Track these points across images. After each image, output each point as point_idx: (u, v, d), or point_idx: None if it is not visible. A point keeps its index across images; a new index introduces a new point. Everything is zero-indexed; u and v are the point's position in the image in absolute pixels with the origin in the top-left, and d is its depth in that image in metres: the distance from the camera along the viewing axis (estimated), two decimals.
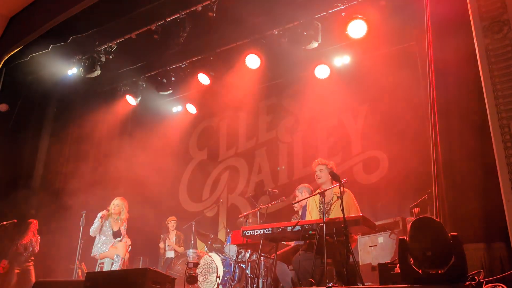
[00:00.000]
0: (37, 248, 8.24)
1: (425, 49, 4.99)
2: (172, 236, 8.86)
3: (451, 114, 4.42)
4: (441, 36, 4.64)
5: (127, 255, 7.20)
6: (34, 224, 8.35)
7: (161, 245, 8.93)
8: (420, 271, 3.43)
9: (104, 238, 7.10)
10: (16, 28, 7.15)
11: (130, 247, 7.39)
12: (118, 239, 7.12)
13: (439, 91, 4.62)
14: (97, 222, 7.09)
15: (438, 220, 3.74)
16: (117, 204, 7.25)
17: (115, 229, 7.11)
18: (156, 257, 9.02)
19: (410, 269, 3.49)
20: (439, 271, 3.34)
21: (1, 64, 7.17)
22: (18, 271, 8.05)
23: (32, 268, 8.17)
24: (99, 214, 7.16)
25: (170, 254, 8.73)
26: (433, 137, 4.64)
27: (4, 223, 7.48)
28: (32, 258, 8.20)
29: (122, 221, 7.23)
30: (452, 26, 4.51)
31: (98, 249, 7.05)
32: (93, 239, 8.20)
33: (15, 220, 7.74)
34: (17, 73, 8.54)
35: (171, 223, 9.02)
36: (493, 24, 3.91)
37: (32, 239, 8.21)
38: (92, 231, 7.11)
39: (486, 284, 3.14)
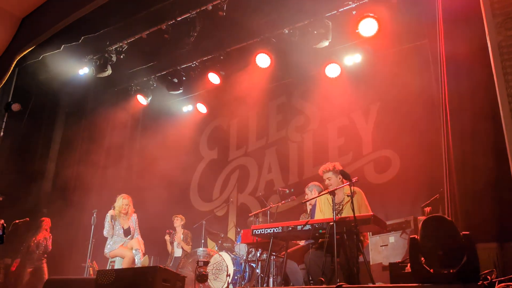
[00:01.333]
0: (49, 246, 8.33)
1: (437, 47, 4.95)
2: (179, 235, 8.88)
3: (463, 112, 4.38)
4: (453, 33, 4.60)
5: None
6: (46, 222, 8.44)
7: (167, 237, 8.93)
8: (431, 270, 3.40)
9: (115, 237, 7.13)
10: (28, 28, 7.21)
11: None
12: (129, 236, 7.14)
13: (451, 89, 4.58)
14: (107, 224, 7.12)
15: (449, 219, 3.70)
16: (126, 203, 7.25)
17: (125, 227, 7.14)
18: (166, 256, 9.05)
19: (421, 268, 3.46)
20: (451, 271, 3.30)
21: (14, 64, 7.24)
22: (31, 269, 8.15)
23: (45, 265, 8.25)
24: (108, 216, 7.17)
25: (178, 253, 8.74)
26: (445, 136, 4.61)
27: (17, 221, 7.56)
28: (45, 255, 8.30)
29: (129, 216, 7.25)
30: (464, 23, 4.46)
31: (109, 247, 7.09)
32: (104, 237, 8.27)
33: (28, 219, 7.82)
34: (29, 73, 8.64)
35: (176, 220, 9.03)
36: (506, 20, 3.85)
37: (45, 236, 8.30)
38: (106, 232, 7.14)
39: (498, 284, 3.09)
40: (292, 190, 7.71)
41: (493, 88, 3.84)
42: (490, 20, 3.92)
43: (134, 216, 7.39)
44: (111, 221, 7.13)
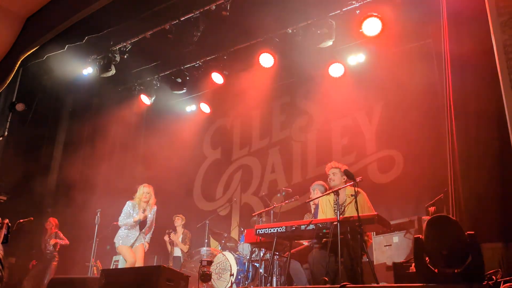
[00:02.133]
0: (62, 242, 8.37)
1: (441, 46, 4.93)
2: (179, 234, 8.87)
3: (468, 112, 4.36)
4: (458, 32, 4.58)
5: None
6: (50, 221, 8.51)
7: (166, 238, 8.89)
8: (436, 270, 3.39)
9: (130, 229, 6.69)
10: (33, 28, 7.23)
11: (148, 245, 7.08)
12: (144, 229, 6.78)
13: (455, 90, 4.57)
14: (130, 218, 6.64)
15: (454, 218, 3.68)
16: (147, 191, 6.87)
17: (142, 218, 6.72)
18: (168, 255, 9.07)
19: (425, 268, 3.45)
20: (456, 270, 3.30)
21: (18, 64, 7.26)
22: (40, 268, 8.22)
23: (54, 265, 8.29)
24: (129, 204, 6.76)
25: (178, 252, 8.74)
26: (449, 136, 4.59)
27: (21, 220, 7.59)
28: (56, 255, 8.34)
29: (151, 206, 6.89)
30: (469, 22, 4.44)
31: (119, 240, 6.64)
32: (106, 238, 8.23)
33: (32, 218, 7.86)
34: (33, 73, 8.66)
35: (177, 220, 9.02)
36: (511, 19, 3.84)
37: (52, 236, 8.36)
38: (122, 220, 6.67)
39: (504, 284, 3.08)
40: (289, 190, 7.63)
41: (498, 87, 3.83)
42: (495, 19, 3.90)
43: (155, 208, 7.00)
44: (131, 210, 6.70)
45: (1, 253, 2.66)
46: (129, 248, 6.63)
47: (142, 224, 6.80)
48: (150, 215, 6.89)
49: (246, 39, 8.44)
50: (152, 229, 7.10)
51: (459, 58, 4.50)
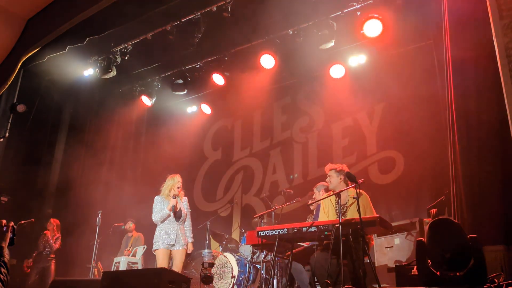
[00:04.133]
0: (55, 245, 8.35)
1: (442, 47, 4.93)
2: None
3: (470, 116, 4.36)
4: (459, 35, 4.58)
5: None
6: (50, 222, 8.50)
7: None
8: (438, 273, 3.39)
9: (167, 224, 6.11)
10: (34, 29, 7.21)
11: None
12: (180, 220, 6.17)
13: (457, 91, 4.57)
14: (163, 210, 6.07)
15: (456, 221, 3.68)
16: (177, 180, 6.28)
17: (177, 209, 6.18)
18: None
19: (428, 271, 3.45)
20: (458, 273, 3.30)
21: (19, 66, 7.25)
22: (39, 269, 8.21)
23: (53, 266, 8.29)
24: (158, 199, 6.19)
25: None
26: (450, 138, 4.59)
27: (22, 222, 7.59)
28: (53, 255, 8.33)
29: (181, 196, 6.37)
30: (471, 24, 4.44)
31: (157, 242, 6.01)
32: (104, 240, 8.21)
33: (33, 220, 7.86)
34: (34, 74, 8.64)
35: None
36: None
37: (52, 237, 8.36)
38: (160, 218, 6.07)
39: (506, 287, 3.08)
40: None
41: (500, 91, 3.82)
42: (497, 22, 3.90)
43: (185, 198, 6.44)
44: (171, 208, 6.09)
45: (7, 257, 2.65)
46: (167, 253, 6.03)
47: (179, 215, 6.19)
48: (184, 207, 6.32)
49: (247, 40, 8.45)
50: (191, 225, 6.48)
51: (461, 61, 4.50)
